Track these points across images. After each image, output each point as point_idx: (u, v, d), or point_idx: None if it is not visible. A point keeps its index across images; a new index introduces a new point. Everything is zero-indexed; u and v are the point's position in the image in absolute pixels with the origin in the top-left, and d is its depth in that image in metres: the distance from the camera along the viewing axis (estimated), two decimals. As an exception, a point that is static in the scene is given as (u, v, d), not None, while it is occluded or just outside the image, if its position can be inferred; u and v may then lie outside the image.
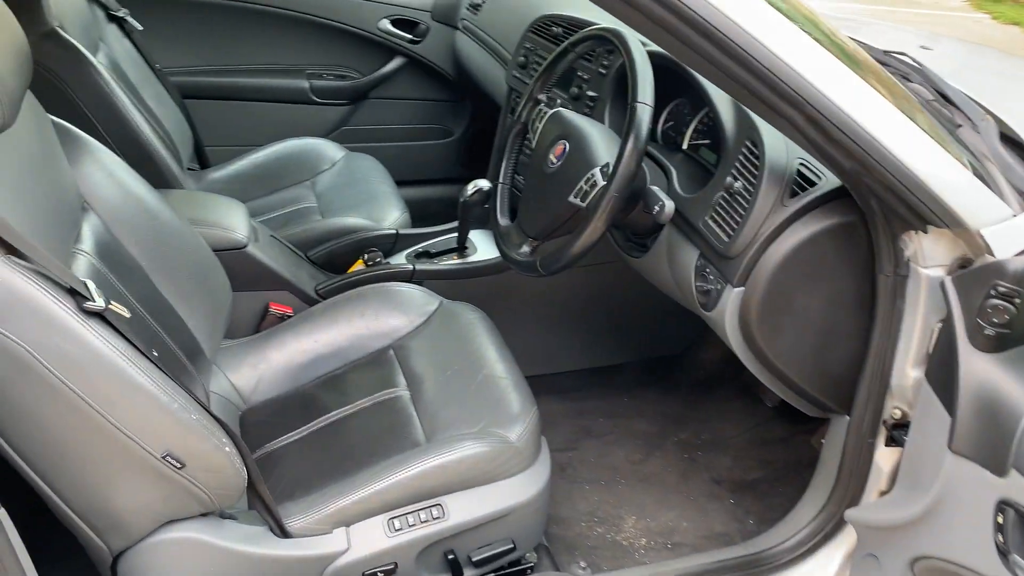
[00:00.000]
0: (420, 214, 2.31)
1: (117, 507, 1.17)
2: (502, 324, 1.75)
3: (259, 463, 1.49)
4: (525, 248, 1.56)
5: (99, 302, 1.07)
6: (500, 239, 1.64)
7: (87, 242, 1.33)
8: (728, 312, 1.34)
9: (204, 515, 1.26)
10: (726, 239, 1.31)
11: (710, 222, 1.35)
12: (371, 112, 2.73)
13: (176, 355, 1.41)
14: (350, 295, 1.77)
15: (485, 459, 1.38)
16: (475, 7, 2.52)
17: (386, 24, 2.64)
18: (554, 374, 2.12)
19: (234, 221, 1.77)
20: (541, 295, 2.00)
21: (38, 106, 1.31)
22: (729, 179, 1.33)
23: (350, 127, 2.72)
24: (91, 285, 1.09)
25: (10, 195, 1.12)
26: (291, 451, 1.52)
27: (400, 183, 2.40)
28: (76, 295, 1.06)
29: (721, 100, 1.48)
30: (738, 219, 1.30)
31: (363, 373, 1.66)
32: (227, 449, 1.19)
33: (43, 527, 1.20)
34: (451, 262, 2.00)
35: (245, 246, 1.76)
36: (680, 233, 1.45)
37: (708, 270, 1.38)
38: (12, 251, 1.03)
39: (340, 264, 2.03)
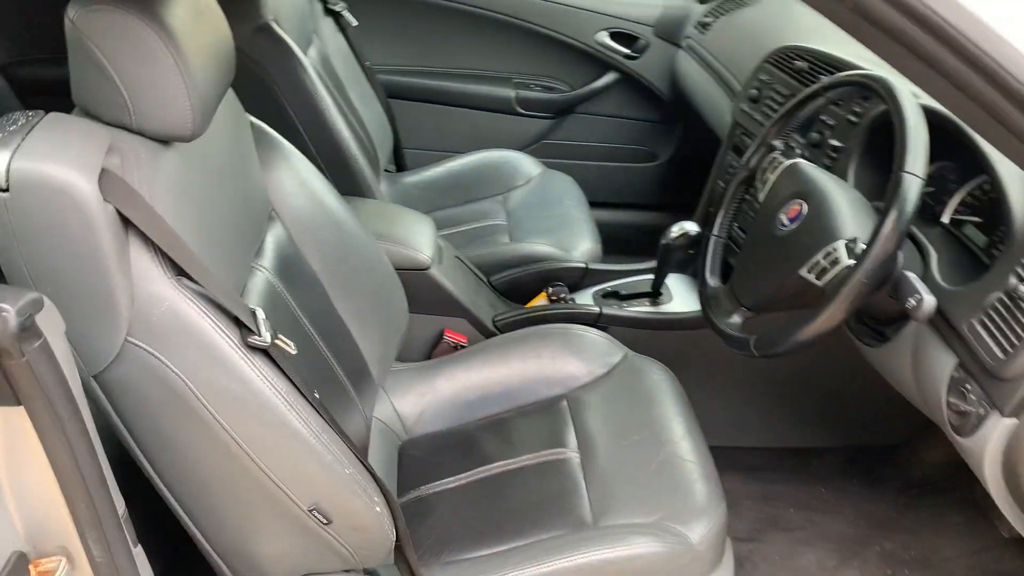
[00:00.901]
0: (611, 239, 2.15)
1: (257, 552, 1.08)
2: (689, 383, 1.55)
3: (411, 506, 1.39)
4: (736, 318, 1.35)
5: (265, 336, 0.98)
6: (706, 302, 1.44)
7: (268, 255, 1.26)
8: (991, 445, 1.07)
9: (346, 572, 1.16)
10: (1001, 356, 1.05)
11: (979, 328, 1.09)
12: (574, 127, 2.58)
13: (341, 385, 1.32)
14: (529, 333, 1.63)
15: (660, 561, 1.20)
16: (703, 26, 2.31)
17: (603, 37, 2.47)
18: (741, 448, 1.89)
19: (420, 240, 1.67)
20: (739, 360, 1.77)
21: (238, 106, 1.25)
22: (1013, 279, 1.06)
23: (550, 141, 2.58)
24: (260, 315, 1.00)
25: (194, 207, 1.05)
26: (445, 500, 1.40)
27: (594, 204, 2.24)
28: (242, 327, 0.97)
29: (1007, 170, 1.20)
30: (1021, 333, 1.03)
31: (532, 422, 1.52)
32: (377, 509, 1.08)
33: (190, 560, 1.14)
34: (642, 308, 1.81)
35: (428, 268, 1.65)
36: (935, 332, 1.19)
37: (968, 387, 1.11)
38: (182, 272, 0.95)
39: (522, 294, 1.89)
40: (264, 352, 0.99)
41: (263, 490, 1.01)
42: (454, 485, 1.42)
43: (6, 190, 0.84)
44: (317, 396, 1.05)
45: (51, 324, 0.80)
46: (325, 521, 1.05)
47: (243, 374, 0.96)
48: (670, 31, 2.45)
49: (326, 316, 1.35)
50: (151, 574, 0.99)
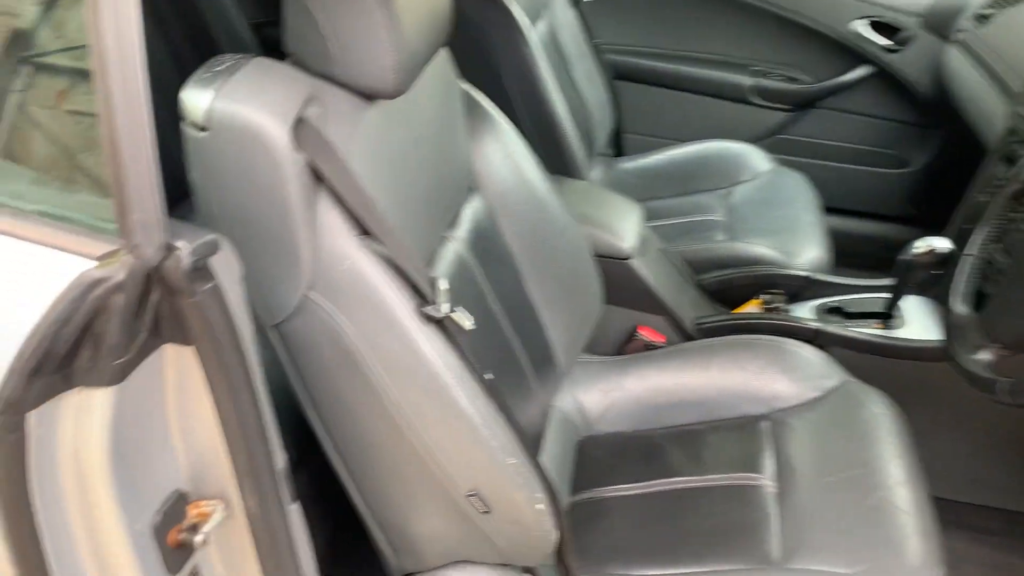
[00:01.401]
0: (843, 250, 1.93)
1: (414, 531, 1.04)
2: (917, 422, 1.34)
3: (582, 506, 1.30)
4: (986, 355, 1.14)
5: (442, 308, 0.93)
6: (952, 331, 1.23)
7: (463, 227, 1.21)
8: None
9: (503, 565, 1.09)
10: None
11: None
12: (814, 123, 2.35)
13: (521, 369, 1.26)
14: (735, 341, 1.48)
15: (855, 622, 1.03)
16: (982, 18, 2.00)
17: (860, 26, 2.22)
18: (970, 505, 1.63)
19: (625, 227, 1.56)
20: (981, 403, 1.52)
21: (451, 71, 1.21)
22: None
23: (785, 136, 2.37)
24: (442, 285, 0.95)
25: (390, 167, 1.01)
26: (620, 507, 1.30)
27: (828, 210, 2.02)
28: (420, 294, 0.92)
29: None
30: None
31: (725, 439, 1.37)
32: (539, 507, 1.00)
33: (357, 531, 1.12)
34: (870, 331, 1.60)
35: (629, 257, 1.55)
36: None
37: None
38: (367, 232, 0.91)
39: (732, 298, 1.73)
40: (439, 324, 0.94)
41: (423, 466, 0.96)
42: (632, 493, 1.32)
43: (206, 129, 0.84)
44: (490, 378, 0.99)
45: (226, 268, 0.79)
46: (483, 510, 0.98)
47: (414, 343, 0.91)
48: (941, 23, 2.15)
49: (515, 296, 1.29)
50: (304, 532, 0.98)
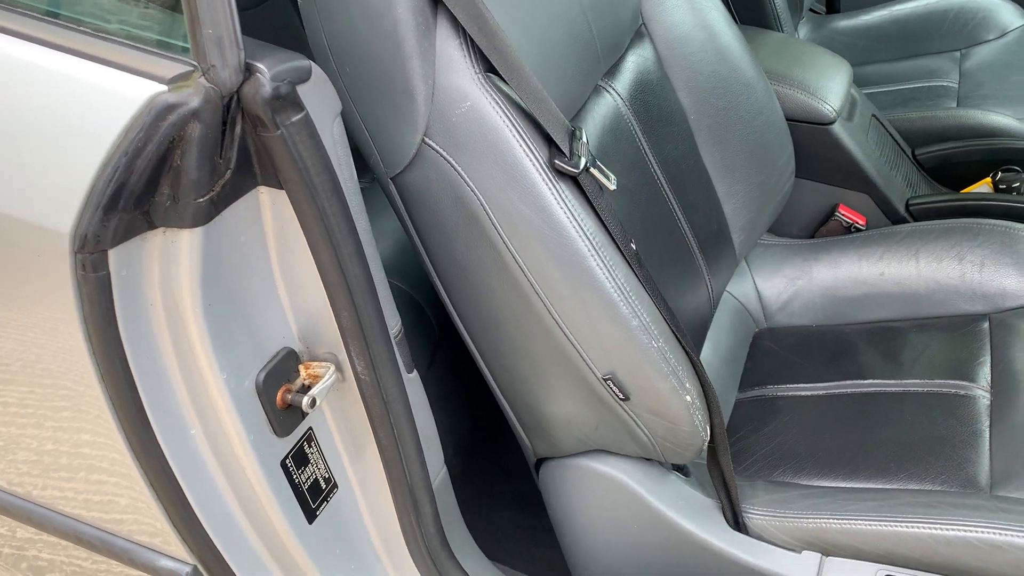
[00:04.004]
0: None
1: (546, 412, 0.94)
2: None
3: (751, 404, 1.16)
4: None
5: (578, 161, 0.79)
6: None
7: (624, 77, 1.05)
8: None
9: (648, 459, 0.97)
10: None
11: None
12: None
13: (686, 246, 1.10)
14: (955, 226, 1.23)
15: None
16: None
17: None
18: None
19: (828, 87, 1.32)
20: None
21: None
22: None
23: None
24: (582, 137, 0.81)
25: (529, -3, 0.87)
26: (796, 408, 1.14)
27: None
28: (553, 146, 0.79)
29: None
30: None
31: (933, 341, 1.16)
32: (688, 398, 0.86)
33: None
34: None
35: (832, 122, 1.31)
36: None
37: None
38: (493, 69, 0.78)
39: (957, 176, 1.45)
40: (574, 181, 0.80)
41: (553, 342, 0.85)
42: (810, 393, 1.15)
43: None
44: (634, 248, 0.85)
45: (321, 100, 0.69)
46: (621, 396, 0.86)
47: (543, 201, 0.78)
48: None
49: (685, 161, 1.12)
50: (424, 402, 0.91)
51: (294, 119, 0.66)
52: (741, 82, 1.16)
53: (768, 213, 1.25)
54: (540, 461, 1.03)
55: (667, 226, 1.07)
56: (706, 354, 1.19)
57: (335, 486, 0.89)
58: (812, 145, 1.32)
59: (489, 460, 1.37)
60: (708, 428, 0.90)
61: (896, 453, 1.01)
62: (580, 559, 1.04)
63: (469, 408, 1.31)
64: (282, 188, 0.70)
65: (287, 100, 0.65)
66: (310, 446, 0.86)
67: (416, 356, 1.12)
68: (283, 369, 0.79)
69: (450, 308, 0.92)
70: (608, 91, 1.02)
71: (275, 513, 0.83)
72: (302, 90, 0.67)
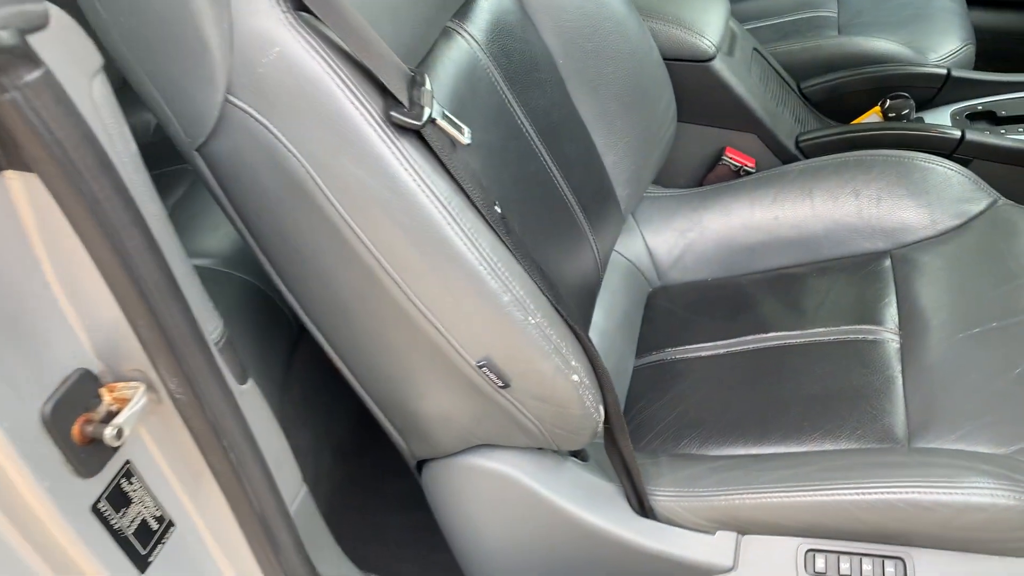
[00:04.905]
0: (991, 49, 1.52)
1: (418, 411, 0.81)
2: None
3: (650, 371, 1.06)
4: None
5: (421, 112, 0.66)
6: None
7: (479, 18, 0.92)
8: None
9: (539, 449, 0.86)
10: None
11: None
12: None
13: (565, 206, 0.98)
14: (848, 160, 1.16)
15: (1004, 522, 0.76)
16: None
17: None
18: None
19: (704, 19, 1.22)
20: None
21: None
22: None
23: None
24: (425, 85, 0.68)
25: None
26: (697, 371, 1.05)
27: (976, 3, 1.60)
28: (389, 96, 0.65)
29: None
30: None
31: (835, 284, 1.09)
32: (575, 378, 0.75)
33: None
34: (1030, 138, 1.24)
35: (712, 58, 1.22)
36: None
37: None
38: (304, 7, 0.64)
39: (845, 108, 1.38)
40: (418, 136, 0.67)
41: (414, 328, 0.72)
42: (711, 353, 1.06)
43: None
44: (499, 211, 0.72)
45: (69, 53, 0.54)
46: (500, 384, 0.74)
47: (382, 162, 0.65)
48: None
49: (556, 112, 1.00)
50: (268, 415, 0.77)
51: (28, 79, 0.50)
52: (612, 19, 1.05)
53: (652, 163, 1.15)
54: (421, 462, 0.90)
55: (541, 184, 0.95)
56: (598, 320, 1.09)
57: (170, 524, 0.74)
58: (693, 85, 1.22)
59: (374, 459, 1.23)
60: (601, 408, 0.79)
61: (807, 410, 0.93)
62: (476, 565, 0.93)
63: (344, 406, 1.17)
64: (32, 170, 0.54)
65: (14, 54, 0.49)
66: (130, 482, 0.70)
67: (272, 359, 0.97)
68: (78, 395, 0.64)
69: (291, 300, 0.78)
70: (460, 34, 0.89)
71: (94, 568, 0.68)
72: (38, 41, 0.51)
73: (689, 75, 1.21)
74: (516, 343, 0.72)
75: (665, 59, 1.13)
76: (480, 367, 0.73)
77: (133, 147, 0.58)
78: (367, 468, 1.20)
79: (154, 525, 0.73)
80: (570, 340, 0.75)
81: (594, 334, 1.07)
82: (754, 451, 0.91)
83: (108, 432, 0.63)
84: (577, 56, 1.03)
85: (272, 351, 1.01)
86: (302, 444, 1.10)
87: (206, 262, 1.04)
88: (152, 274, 0.59)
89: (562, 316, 0.75)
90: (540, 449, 0.86)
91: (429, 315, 0.71)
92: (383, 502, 1.18)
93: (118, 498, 0.69)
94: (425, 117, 0.66)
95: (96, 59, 0.56)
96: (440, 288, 0.69)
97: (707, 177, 1.31)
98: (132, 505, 0.71)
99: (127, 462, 0.70)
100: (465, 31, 0.89)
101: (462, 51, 0.88)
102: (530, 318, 0.71)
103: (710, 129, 1.27)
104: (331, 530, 0.89)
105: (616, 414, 0.81)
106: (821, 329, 1.02)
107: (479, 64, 0.89)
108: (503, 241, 0.71)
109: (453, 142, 0.70)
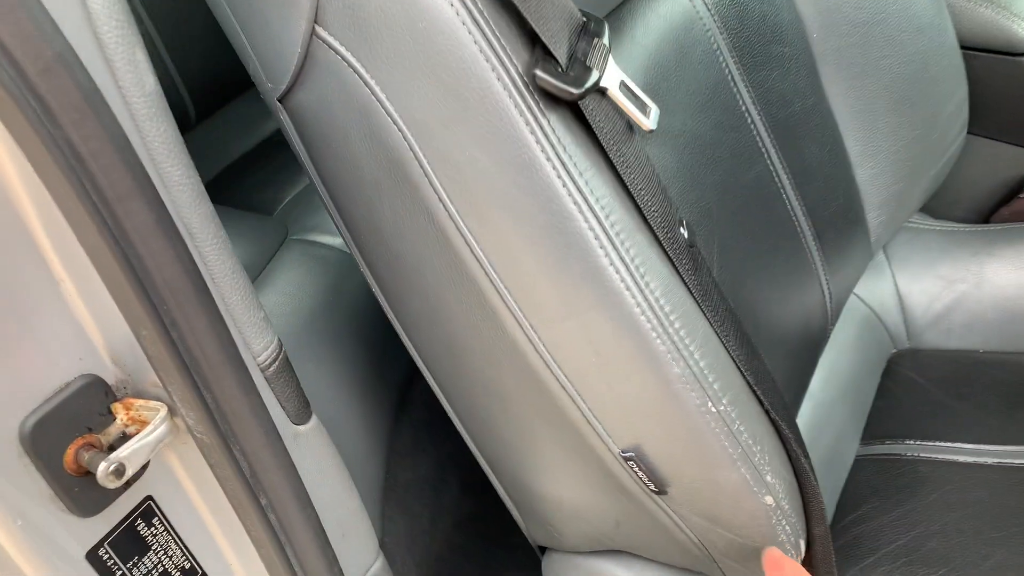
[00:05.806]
0: None
1: (539, 493, 0.59)
2: None
3: (877, 467, 0.79)
4: None
5: (588, 74, 0.43)
6: None
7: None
8: None
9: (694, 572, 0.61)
10: None
11: None
12: None
13: (791, 227, 0.72)
14: None
15: None
16: None
17: None
18: None
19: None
20: None
21: None
22: None
23: None
24: (603, 34, 0.45)
25: None
26: (948, 481, 0.75)
27: None
28: (536, 44, 0.43)
29: None
30: None
31: None
32: (768, 500, 0.50)
33: None
34: None
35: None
36: None
37: None
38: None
39: None
40: (573, 110, 0.44)
41: (535, 380, 0.50)
42: (975, 460, 0.77)
43: None
44: (685, 235, 0.48)
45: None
46: (652, 487, 0.51)
47: (515, 144, 0.43)
48: None
49: (799, 101, 0.74)
50: (334, 465, 0.57)
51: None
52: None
53: (923, 184, 0.86)
54: (543, 549, 0.68)
55: (761, 197, 0.69)
56: (814, 387, 0.81)
57: (202, 579, 0.58)
58: (997, 86, 0.90)
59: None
60: (803, 544, 0.53)
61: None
62: None
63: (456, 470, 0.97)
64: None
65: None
66: (149, 524, 0.54)
67: (389, 368, 0.79)
68: (78, 409, 0.48)
69: (386, 308, 0.58)
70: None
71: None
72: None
73: (994, 71, 0.90)
74: (683, 436, 0.48)
75: (963, 47, 0.83)
76: (626, 458, 0.50)
77: (150, 83, 0.40)
78: (496, 508, 1.00)
79: (178, 580, 0.56)
80: (770, 442, 0.50)
81: (806, 404, 0.80)
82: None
83: (102, 468, 0.47)
84: (841, 30, 0.76)
85: (388, 359, 0.82)
86: (422, 473, 0.92)
87: (335, 240, 0.88)
88: (163, 266, 0.41)
89: (763, 406, 0.49)
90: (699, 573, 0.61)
91: (558, 372, 0.48)
92: (507, 557, 0.98)
93: (129, 543, 0.53)
94: (589, 83, 0.43)
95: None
96: (579, 338, 0.47)
97: (998, 212, 0.98)
98: (149, 553, 0.54)
99: (147, 498, 0.53)
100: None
101: (677, 4, 0.63)
102: (711, 404, 0.47)
103: (1013, 148, 0.94)
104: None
105: (823, 551, 0.55)
106: None
107: (698, 24, 0.65)
108: (684, 282, 0.47)
109: (631, 125, 0.46)
